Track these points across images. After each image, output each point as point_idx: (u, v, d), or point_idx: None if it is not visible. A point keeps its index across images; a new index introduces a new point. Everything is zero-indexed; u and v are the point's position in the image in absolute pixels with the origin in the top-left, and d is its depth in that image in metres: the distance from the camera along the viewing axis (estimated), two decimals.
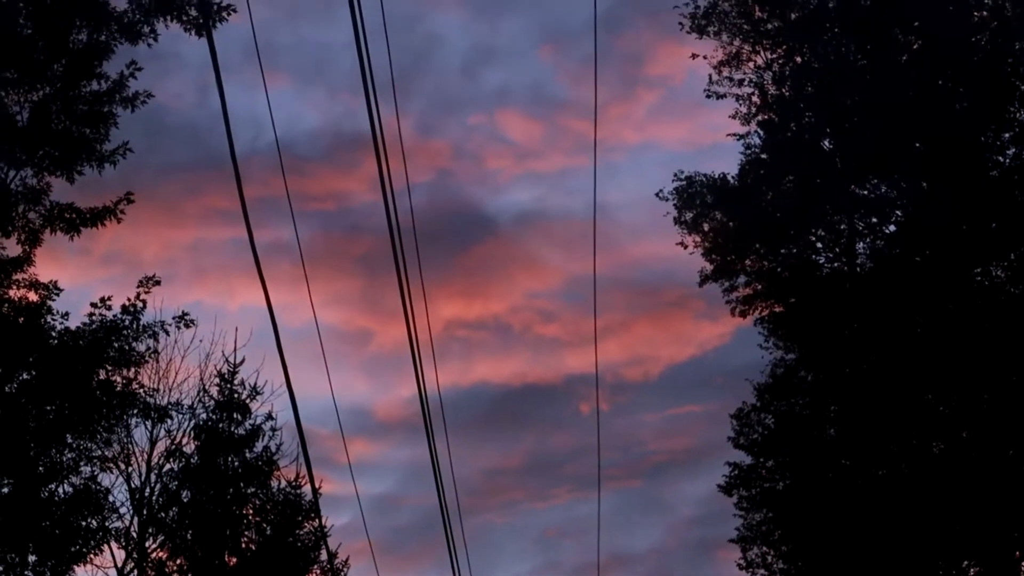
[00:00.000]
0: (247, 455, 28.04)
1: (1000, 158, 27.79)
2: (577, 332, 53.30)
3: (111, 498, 24.98)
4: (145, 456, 27.39)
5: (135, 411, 25.06)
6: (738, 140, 29.66)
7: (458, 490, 17.40)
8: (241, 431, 28.16)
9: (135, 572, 26.51)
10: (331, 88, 49.96)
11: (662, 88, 49.76)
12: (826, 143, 29.25)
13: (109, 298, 23.53)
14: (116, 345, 23.30)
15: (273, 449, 28.21)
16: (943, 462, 26.74)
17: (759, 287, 29.94)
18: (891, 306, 26.91)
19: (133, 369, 24.01)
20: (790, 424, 28.81)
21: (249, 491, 28.12)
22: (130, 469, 27.13)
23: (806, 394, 28.96)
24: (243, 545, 27.92)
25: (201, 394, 28.21)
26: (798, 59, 29.40)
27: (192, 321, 25.21)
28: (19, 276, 22.78)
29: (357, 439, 46.16)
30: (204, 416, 28.00)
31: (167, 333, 24.48)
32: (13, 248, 22.58)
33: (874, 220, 29.26)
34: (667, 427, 54.49)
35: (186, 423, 27.74)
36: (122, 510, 26.05)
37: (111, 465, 26.03)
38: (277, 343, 10.72)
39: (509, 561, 50.22)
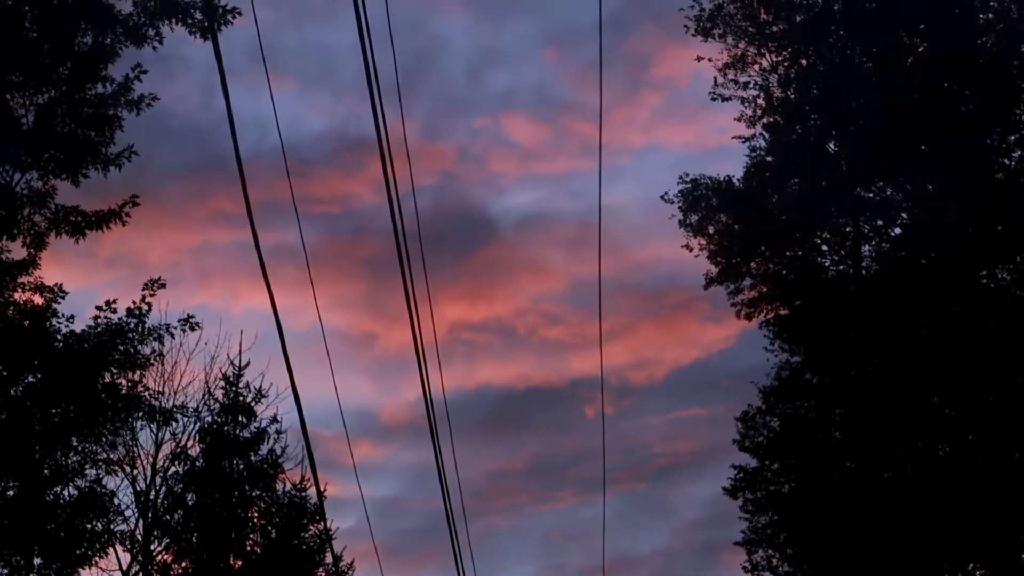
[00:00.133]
0: (252, 458, 28.05)
1: (1006, 160, 27.77)
2: (582, 335, 53.29)
3: (116, 501, 25.02)
4: (150, 459, 27.45)
5: (140, 414, 25.06)
6: (743, 143, 29.71)
7: (463, 493, 17.37)
8: (246, 434, 28.17)
9: (140, 575, 26.52)
10: (336, 91, 50.02)
11: (667, 90, 49.78)
12: (831, 146, 29.23)
13: (114, 301, 23.54)
14: (121, 348, 23.29)
15: (278, 452, 28.26)
16: (949, 465, 26.70)
17: (764, 290, 29.92)
18: (897, 309, 26.88)
19: (138, 372, 24.02)
20: (796, 427, 28.77)
21: (254, 494, 28.13)
22: (135, 472, 27.19)
23: (812, 397, 28.92)
24: (248, 548, 27.92)
25: (206, 397, 28.27)
26: (803, 61, 29.40)
27: (197, 324, 25.18)
28: (24, 279, 22.77)
29: (362, 442, 46.16)
30: (209, 419, 28.05)
31: (172, 336, 24.47)
32: (18, 251, 22.59)
33: (880, 223, 29.24)
34: (672, 430, 54.46)
35: (191, 426, 27.79)
36: (127, 513, 26.13)
37: (116, 468, 26.12)
38: (282, 346, 10.72)
39: (513, 564, 50.17)
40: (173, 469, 27.46)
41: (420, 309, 11.28)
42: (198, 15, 21.16)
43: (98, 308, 23.38)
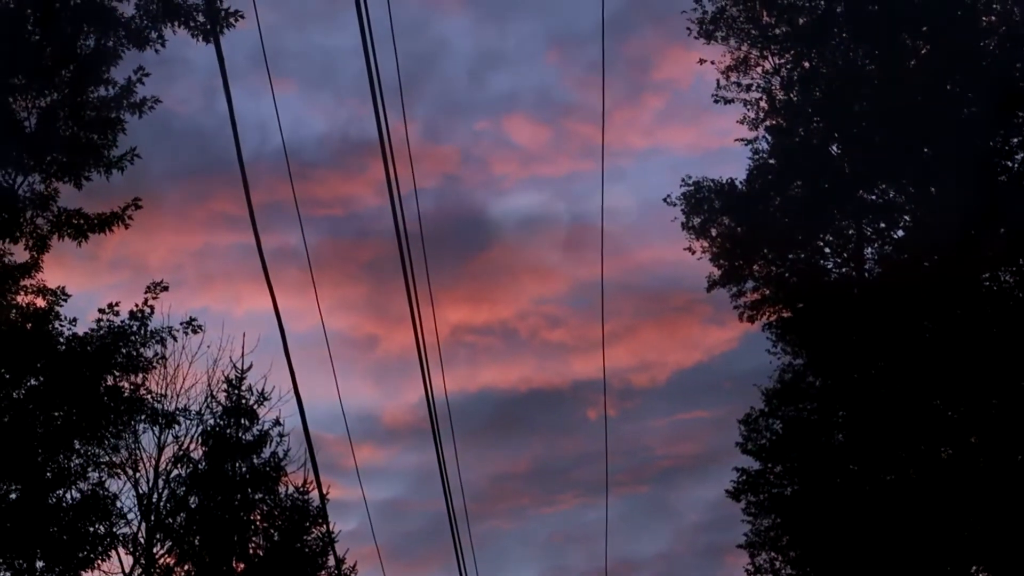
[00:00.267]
0: (255, 461, 28.07)
1: (1008, 163, 27.75)
2: (584, 337, 53.26)
3: (119, 504, 25.02)
4: (153, 462, 27.44)
5: (143, 417, 25.07)
6: (746, 145, 29.71)
7: (465, 495, 17.35)
8: (249, 437, 28.18)
9: None
10: (338, 93, 50.00)
11: (669, 93, 49.74)
12: (834, 148, 29.22)
13: (117, 304, 23.55)
14: (124, 351, 23.30)
15: (281, 455, 28.28)
16: (951, 467, 26.68)
17: (767, 292, 29.92)
18: (899, 311, 26.86)
19: (141, 375, 24.05)
20: (798, 429, 28.77)
21: (257, 497, 28.14)
22: (138, 475, 27.18)
23: (814, 399, 28.92)
24: (251, 551, 27.93)
25: (209, 400, 28.28)
26: (806, 64, 29.39)
27: (200, 327, 25.18)
28: (27, 282, 22.77)
29: (364, 444, 46.18)
30: (212, 422, 28.07)
31: (175, 339, 24.48)
32: (21, 254, 22.56)
33: (882, 225, 29.25)
34: (674, 432, 54.44)
35: (194, 429, 27.80)
36: (130, 516, 26.09)
37: (119, 471, 26.10)
38: (284, 349, 10.70)
39: (515, 566, 50.12)
40: (176, 472, 27.47)
41: (422, 311, 11.27)
42: (200, 18, 21.13)
43: (100, 311, 23.41)
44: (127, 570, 26.21)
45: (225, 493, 27.60)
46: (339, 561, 28.78)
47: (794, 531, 29.45)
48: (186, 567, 27.11)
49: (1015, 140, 27.69)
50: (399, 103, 11.80)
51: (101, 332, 23.16)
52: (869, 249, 29.23)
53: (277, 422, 28.30)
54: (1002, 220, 26.66)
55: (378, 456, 49.27)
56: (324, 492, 27.07)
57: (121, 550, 25.79)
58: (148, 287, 23.99)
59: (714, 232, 29.85)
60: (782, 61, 29.70)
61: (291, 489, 28.35)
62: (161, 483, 27.31)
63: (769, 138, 29.50)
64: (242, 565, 27.75)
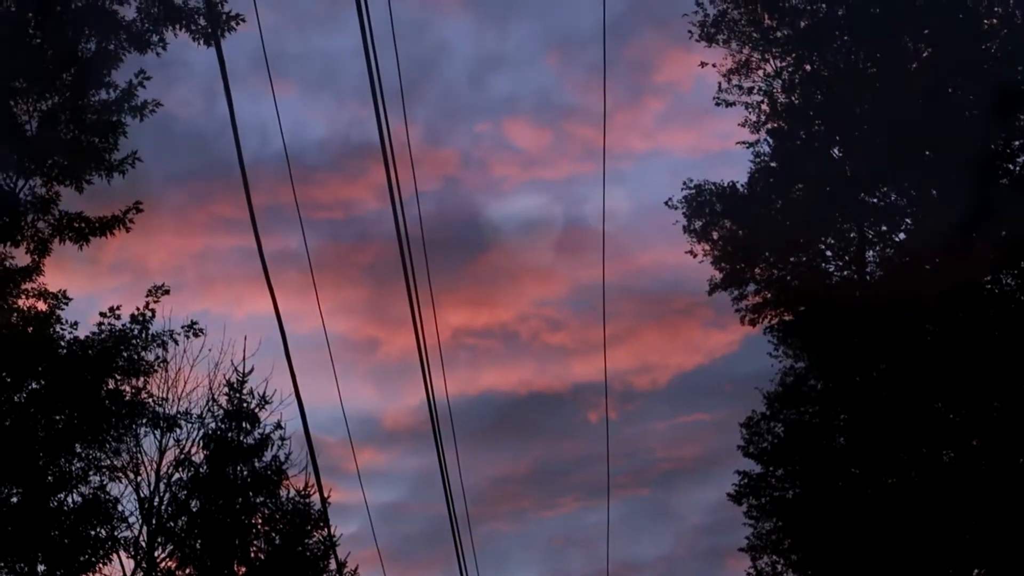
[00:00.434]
0: (256, 464, 28.03)
1: (1010, 166, 27.75)
2: (584, 340, 53.17)
3: (120, 507, 25.01)
4: (154, 465, 27.38)
5: (144, 420, 25.08)
6: (747, 148, 29.71)
7: (466, 498, 17.32)
8: (250, 440, 28.14)
9: None
10: (338, 96, 49.97)
11: (670, 95, 49.68)
12: (836, 151, 29.22)
13: (118, 307, 23.55)
14: (125, 354, 23.30)
15: (282, 458, 28.21)
16: (953, 470, 26.67)
17: (768, 295, 29.92)
18: (901, 314, 26.86)
19: (142, 378, 24.04)
20: (800, 432, 28.76)
21: (258, 500, 28.10)
22: (139, 478, 27.13)
23: (816, 402, 28.92)
24: (252, 554, 27.89)
25: (210, 403, 28.22)
26: (807, 67, 29.39)
27: (201, 330, 25.17)
28: (28, 286, 22.78)
29: (365, 448, 46.04)
30: (213, 425, 28.00)
31: (176, 342, 24.48)
32: (22, 258, 22.57)
33: (884, 228, 29.25)
34: (676, 435, 54.35)
35: (195, 432, 27.73)
36: (131, 519, 26.05)
37: (120, 474, 26.05)
38: (286, 352, 10.70)
39: (516, 570, 50.11)
40: (177, 475, 27.42)
41: (423, 314, 11.27)
42: (202, 21, 21.14)
43: (102, 314, 23.42)
44: (128, 574, 26.18)
45: (226, 497, 27.57)
46: (340, 564, 28.75)
47: (796, 534, 29.44)
48: (187, 571, 27.07)
49: (1016, 143, 27.69)
50: (400, 106, 11.80)
51: (102, 336, 23.17)
52: (871, 252, 29.25)
53: (278, 425, 28.28)
54: (1003, 223, 26.64)
55: (379, 459, 49.21)
56: (325, 495, 27.06)
57: (122, 554, 25.80)
58: (149, 290, 24.02)
59: (715, 235, 29.84)
60: (783, 64, 29.70)
61: (292, 492, 28.31)
62: (162, 487, 27.29)
63: (770, 141, 29.51)
64: (243, 569, 27.72)
